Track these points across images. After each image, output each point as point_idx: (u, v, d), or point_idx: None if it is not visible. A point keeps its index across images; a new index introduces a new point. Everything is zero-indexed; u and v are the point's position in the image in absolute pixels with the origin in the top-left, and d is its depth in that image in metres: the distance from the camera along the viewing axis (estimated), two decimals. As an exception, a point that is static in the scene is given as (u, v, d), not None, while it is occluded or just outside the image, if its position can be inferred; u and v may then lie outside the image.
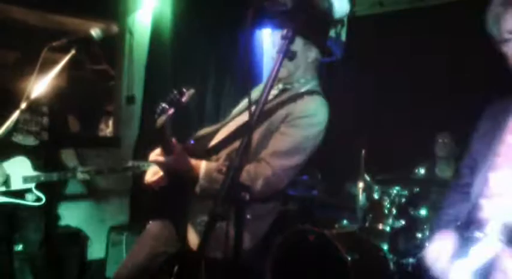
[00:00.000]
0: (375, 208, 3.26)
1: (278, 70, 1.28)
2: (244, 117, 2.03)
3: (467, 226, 1.60)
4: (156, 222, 2.17)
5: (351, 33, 4.58)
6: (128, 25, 4.30)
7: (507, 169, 1.60)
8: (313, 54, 2.06)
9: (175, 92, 1.71)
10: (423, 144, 4.06)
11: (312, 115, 1.95)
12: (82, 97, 4.68)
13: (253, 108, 1.30)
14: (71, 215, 3.97)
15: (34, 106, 3.10)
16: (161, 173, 2.02)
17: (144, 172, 2.19)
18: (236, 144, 1.95)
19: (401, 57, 4.40)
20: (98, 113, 5.15)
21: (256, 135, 1.92)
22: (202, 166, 1.87)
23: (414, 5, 4.32)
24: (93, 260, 3.96)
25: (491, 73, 3.90)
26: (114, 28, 4.12)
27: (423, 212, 3.22)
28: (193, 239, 1.92)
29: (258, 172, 1.87)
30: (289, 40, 1.24)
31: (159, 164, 1.91)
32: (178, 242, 1.99)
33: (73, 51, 2.25)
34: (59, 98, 3.24)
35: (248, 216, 1.89)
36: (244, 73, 4.49)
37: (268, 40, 5.01)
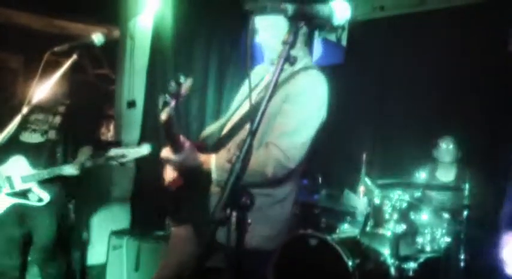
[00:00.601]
0: (376, 213, 3.25)
1: (279, 75, 1.29)
2: (246, 106, 2.04)
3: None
4: (180, 226, 2.15)
5: (352, 38, 4.59)
6: (129, 30, 4.31)
7: None
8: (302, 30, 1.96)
9: (173, 83, 1.69)
10: (424, 148, 4.06)
11: (310, 90, 1.96)
12: (84, 101, 4.69)
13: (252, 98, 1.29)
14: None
15: (49, 106, 3.11)
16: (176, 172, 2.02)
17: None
18: (242, 134, 1.96)
19: (403, 61, 4.41)
20: (100, 117, 5.17)
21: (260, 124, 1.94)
22: (213, 159, 1.89)
23: (414, 9, 4.33)
24: (93, 265, 3.95)
25: (491, 77, 3.93)
26: (116, 33, 4.17)
27: (424, 216, 3.21)
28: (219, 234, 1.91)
29: (267, 157, 1.87)
30: (290, 45, 1.24)
31: (170, 162, 1.92)
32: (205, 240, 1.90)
33: (75, 56, 2.27)
34: (76, 99, 3.24)
35: (265, 202, 1.90)
36: (246, 77, 4.50)
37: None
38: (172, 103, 1.69)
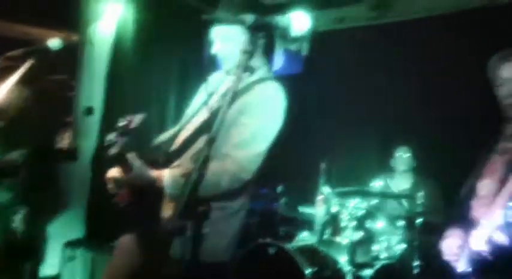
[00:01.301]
0: (333, 221, 3.31)
1: (237, 85, 1.31)
2: (201, 115, 2.03)
3: (464, 223, 2.06)
4: (128, 236, 2.12)
5: (313, 48, 4.68)
6: (89, 35, 4.23)
7: (488, 179, 2.07)
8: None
9: (122, 122, 1.75)
10: (382, 158, 4.16)
11: (266, 101, 1.96)
12: (40, 108, 4.56)
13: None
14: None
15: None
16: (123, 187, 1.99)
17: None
18: (196, 146, 1.96)
19: (361, 72, 4.53)
20: (56, 124, 5.02)
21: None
22: (166, 174, 1.86)
23: (373, 21, 4.46)
24: (46, 277, 3.82)
25: (447, 87, 4.09)
26: (75, 38, 4.08)
27: (380, 224, 3.29)
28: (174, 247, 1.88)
29: (223, 169, 1.87)
30: (249, 55, 1.26)
31: (120, 182, 1.91)
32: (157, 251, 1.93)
33: (31, 61, 2.22)
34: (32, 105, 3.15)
35: (219, 215, 1.89)
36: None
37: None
38: (121, 140, 1.73)
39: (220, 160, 1.89)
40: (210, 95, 2.09)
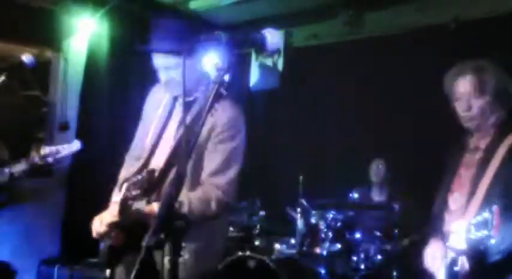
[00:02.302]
0: (312, 232, 3.33)
1: (214, 100, 1.32)
2: (167, 146, 2.08)
3: (440, 235, 2.10)
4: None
5: (288, 63, 4.74)
6: (63, 51, 4.20)
7: (458, 193, 2.13)
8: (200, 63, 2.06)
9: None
10: (359, 170, 4.22)
11: (232, 125, 2.06)
12: (12, 124, 4.48)
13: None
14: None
15: None
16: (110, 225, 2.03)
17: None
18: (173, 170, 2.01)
19: (336, 86, 4.60)
20: (29, 140, 4.94)
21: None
22: (156, 209, 1.92)
23: (345, 37, 4.56)
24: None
25: (421, 99, 4.18)
26: (48, 54, 4.04)
27: (358, 235, 3.33)
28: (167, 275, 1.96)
29: (208, 196, 1.98)
30: (224, 72, 1.28)
31: (116, 226, 1.97)
32: None
33: (3, 77, 2.20)
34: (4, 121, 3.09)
35: (206, 234, 2.02)
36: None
37: (209, 64, 5.07)
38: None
39: (204, 187, 2.01)
40: (167, 117, 2.16)
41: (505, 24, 3.63)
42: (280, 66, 4.54)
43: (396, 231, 3.27)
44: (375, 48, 4.36)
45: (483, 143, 2.13)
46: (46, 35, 4.09)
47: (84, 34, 4.22)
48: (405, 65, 4.14)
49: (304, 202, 3.53)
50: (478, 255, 1.79)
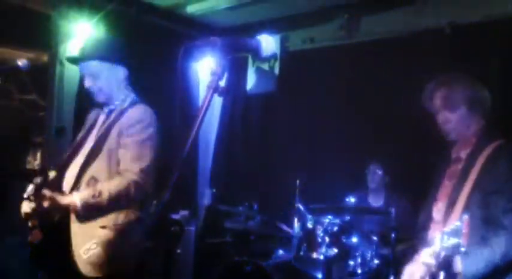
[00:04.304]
0: (309, 237, 3.32)
1: (209, 104, 1.32)
2: (91, 143, 2.33)
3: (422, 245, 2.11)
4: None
5: (285, 67, 4.74)
6: (59, 55, 4.20)
7: (441, 203, 2.15)
8: (120, 72, 2.42)
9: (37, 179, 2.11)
10: (356, 174, 4.22)
11: (140, 120, 2.31)
12: (9, 128, 4.47)
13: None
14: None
15: None
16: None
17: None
18: (90, 171, 2.23)
19: (333, 90, 4.61)
20: (26, 145, 4.93)
21: (102, 161, 2.26)
22: (76, 199, 2.13)
23: (342, 41, 4.57)
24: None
25: (416, 105, 4.18)
26: (44, 58, 4.04)
27: (355, 240, 3.32)
28: (84, 267, 2.15)
29: (125, 181, 2.19)
30: (219, 76, 1.28)
31: (33, 215, 2.12)
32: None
33: (0, 81, 2.21)
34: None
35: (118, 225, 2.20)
36: (180, 104, 4.50)
37: (204, 71, 5.10)
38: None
39: (121, 174, 2.23)
40: (91, 127, 2.44)
41: (501, 29, 3.64)
42: (277, 70, 4.55)
43: (393, 236, 3.26)
44: (371, 51, 4.37)
45: (464, 154, 2.17)
46: (43, 39, 4.09)
47: (81, 38, 4.22)
48: (401, 69, 4.15)
49: (301, 206, 3.52)
50: (448, 267, 1.81)
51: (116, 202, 2.15)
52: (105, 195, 2.13)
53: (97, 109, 2.55)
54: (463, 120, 2.13)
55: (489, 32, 3.69)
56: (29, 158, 4.95)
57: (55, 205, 2.09)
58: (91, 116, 2.56)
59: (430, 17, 4.02)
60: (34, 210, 2.12)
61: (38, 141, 4.81)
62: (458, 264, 1.81)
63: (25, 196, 2.10)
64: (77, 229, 2.18)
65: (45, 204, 2.06)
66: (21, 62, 2.25)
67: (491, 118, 2.22)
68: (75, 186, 2.22)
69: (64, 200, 2.13)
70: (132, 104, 2.40)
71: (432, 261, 1.80)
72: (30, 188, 2.11)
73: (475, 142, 2.13)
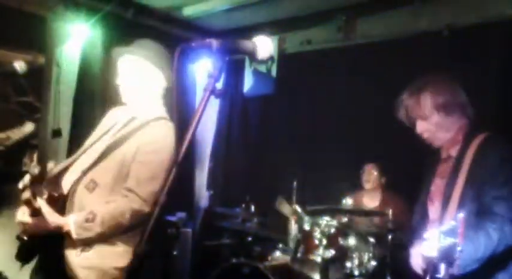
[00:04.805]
0: (306, 239, 3.32)
1: (205, 106, 1.32)
2: (99, 147, 2.21)
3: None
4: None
5: (282, 69, 4.75)
6: (56, 57, 4.19)
7: (437, 202, 2.14)
8: (160, 82, 2.29)
9: (34, 170, 1.99)
10: (353, 176, 4.22)
11: (161, 140, 2.17)
12: (5, 130, 4.45)
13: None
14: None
15: None
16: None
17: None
18: (94, 173, 2.14)
19: (330, 92, 4.61)
20: (22, 146, 4.91)
21: (109, 168, 2.14)
22: (71, 221, 2.04)
23: (340, 43, 4.58)
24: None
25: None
26: (41, 60, 4.03)
27: (352, 241, 3.32)
28: (76, 269, 2.08)
29: (127, 206, 2.07)
30: (215, 79, 1.28)
31: (28, 226, 2.06)
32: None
33: (-3, 84, 2.20)
34: None
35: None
36: (176, 105, 4.50)
37: (200, 73, 5.10)
38: (33, 187, 1.93)
39: (125, 197, 2.09)
40: (110, 126, 2.31)
41: (500, 31, 3.65)
42: (274, 72, 4.56)
43: (390, 236, 3.26)
44: (368, 54, 4.38)
45: (454, 151, 2.17)
46: (39, 41, 4.08)
47: (78, 40, 4.21)
48: (399, 71, 4.16)
49: (298, 208, 3.52)
50: (448, 262, 1.81)
51: (109, 230, 2.06)
52: (99, 219, 2.04)
53: (116, 111, 2.43)
54: (439, 125, 2.14)
55: (487, 34, 3.71)
56: (25, 160, 4.93)
57: (47, 225, 2.02)
58: (109, 116, 2.43)
59: (428, 19, 4.03)
60: (29, 218, 2.05)
61: (34, 143, 4.79)
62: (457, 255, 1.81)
63: (20, 186, 2.02)
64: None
65: (39, 222, 2.00)
66: (17, 64, 2.24)
67: (473, 114, 2.21)
68: (74, 186, 2.15)
69: (58, 221, 2.05)
70: (157, 119, 2.25)
71: (434, 255, 1.81)
72: (27, 178, 2.02)
73: (462, 139, 2.13)
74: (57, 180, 2.21)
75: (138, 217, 2.08)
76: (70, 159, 2.28)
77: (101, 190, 2.12)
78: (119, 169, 2.11)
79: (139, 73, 2.26)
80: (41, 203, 2.00)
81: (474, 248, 1.85)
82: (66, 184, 2.19)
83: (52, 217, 2.03)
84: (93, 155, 2.18)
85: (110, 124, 2.33)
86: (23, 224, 2.09)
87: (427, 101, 2.14)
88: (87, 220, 2.03)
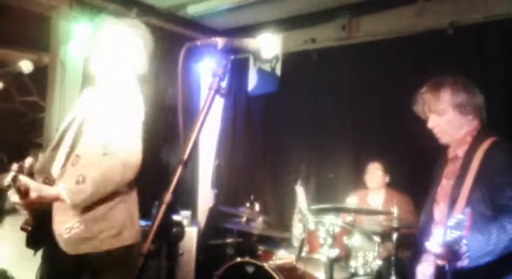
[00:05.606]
0: (310, 238, 3.31)
1: (210, 105, 1.32)
2: (78, 123, 2.26)
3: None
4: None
5: (286, 68, 4.75)
6: (60, 56, 4.20)
7: (442, 203, 2.15)
8: (135, 65, 2.42)
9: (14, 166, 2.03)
10: (357, 174, 4.21)
11: (126, 97, 2.25)
12: (10, 129, 4.47)
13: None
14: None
15: None
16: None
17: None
18: (77, 149, 2.18)
19: (334, 90, 4.61)
20: (27, 146, 4.93)
21: (89, 137, 2.19)
22: (61, 188, 2.06)
23: (343, 42, 4.58)
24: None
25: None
26: (45, 59, 4.03)
27: (356, 240, 3.31)
28: (65, 245, 2.11)
29: (113, 161, 2.08)
30: (220, 77, 1.28)
31: (22, 204, 2.06)
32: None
33: (1, 84, 2.20)
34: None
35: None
36: (182, 105, 4.50)
37: (205, 72, 5.10)
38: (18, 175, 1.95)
39: (104, 153, 2.13)
40: (77, 112, 2.36)
41: (503, 29, 3.64)
42: (278, 70, 4.55)
43: (395, 235, 3.25)
44: (372, 52, 4.37)
45: (461, 152, 2.16)
46: (43, 40, 4.09)
47: (82, 39, 4.22)
48: (403, 69, 4.15)
49: (302, 207, 3.52)
50: (453, 256, 1.81)
51: (103, 186, 2.06)
52: (89, 179, 2.04)
53: (88, 91, 2.50)
54: (452, 123, 2.16)
55: (491, 32, 3.69)
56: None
57: (41, 198, 2.02)
58: (81, 100, 2.49)
59: (432, 17, 4.02)
60: (21, 199, 2.04)
61: (38, 142, 4.81)
62: (464, 247, 1.80)
63: (5, 184, 2.01)
64: (59, 205, 2.12)
65: (32, 196, 1.99)
66: (23, 64, 2.24)
67: (485, 118, 2.23)
68: (63, 167, 2.17)
69: (48, 191, 2.06)
70: (121, 87, 2.29)
71: (439, 251, 1.80)
72: (10, 175, 2.01)
73: (471, 141, 2.14)
74: (47, 169, 2.24)
75: (129, 171, 2.10)
76: (51, 146, 2.34)
77: (84, 160, 2.14)
78: (95, 138, 2.15)
79: (118, 49, 2.31)
80: (26, 180, 1.99)
81: (484, 240, 1.83)
82: (55, 170, 2.22)
83: (42, 189, 2.03)
84: (72, 135, 2.24)
85: (81, 108, 2.38)
86: (18, 204, 2.10)
87: (446, 97, 2.16)
88: (77, 182, 2.04)
